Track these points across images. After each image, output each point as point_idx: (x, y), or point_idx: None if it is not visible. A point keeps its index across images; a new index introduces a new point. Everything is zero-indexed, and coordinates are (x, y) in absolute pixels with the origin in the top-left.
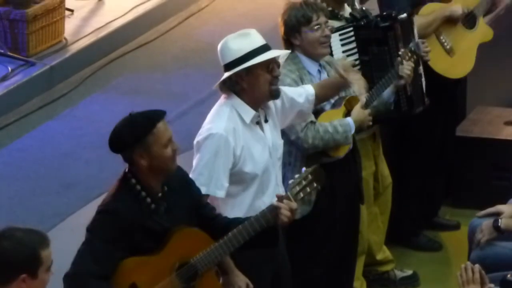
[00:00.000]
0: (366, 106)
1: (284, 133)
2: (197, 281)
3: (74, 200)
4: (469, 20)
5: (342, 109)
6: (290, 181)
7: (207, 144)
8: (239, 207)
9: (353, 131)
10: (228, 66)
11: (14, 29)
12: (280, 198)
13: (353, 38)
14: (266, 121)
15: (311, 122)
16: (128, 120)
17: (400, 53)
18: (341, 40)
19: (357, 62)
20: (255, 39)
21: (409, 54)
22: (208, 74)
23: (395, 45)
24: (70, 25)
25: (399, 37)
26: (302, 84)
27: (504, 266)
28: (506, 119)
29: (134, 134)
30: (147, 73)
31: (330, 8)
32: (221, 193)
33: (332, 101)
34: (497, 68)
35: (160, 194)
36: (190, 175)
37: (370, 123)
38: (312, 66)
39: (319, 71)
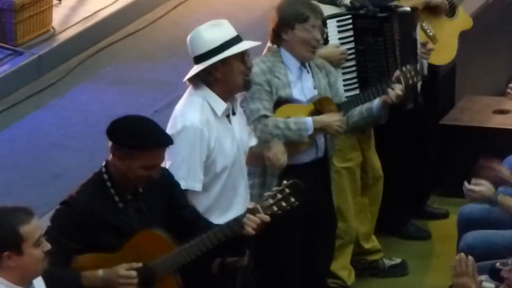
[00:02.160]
0: (339, 109)
1: None
2: (155, 285)
3: (62, 190)
4: (449, 9)
5: (309, 106)
6: (266, 193)
7: (182, 137)
8: (206, 199)
9: (310, 131)
10: (201, 57)
11: (1, 19)
12: (251, 211)
13: (350, 26)
14: (233, 113)
15: (263, 115)
16: (139, 124)
17: (398, 72)
18: (338, 27)
19: (352, 51)
20: (228, 30)
21: (408, 75)
22: (191, 64)
23: (391, 38)
24: (58, 15)
25: (395, 29)
26: (270, 75)
27: (492, 254)
28: (495, 108)
29: (132, 140)
30: (135, 62)
31: None
32: (198, 186)
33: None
34: (486, 57)
35: (129, 196)
36: (169, 167)
37: (341, 129)
38: (293, 62)
39: (300, 69)
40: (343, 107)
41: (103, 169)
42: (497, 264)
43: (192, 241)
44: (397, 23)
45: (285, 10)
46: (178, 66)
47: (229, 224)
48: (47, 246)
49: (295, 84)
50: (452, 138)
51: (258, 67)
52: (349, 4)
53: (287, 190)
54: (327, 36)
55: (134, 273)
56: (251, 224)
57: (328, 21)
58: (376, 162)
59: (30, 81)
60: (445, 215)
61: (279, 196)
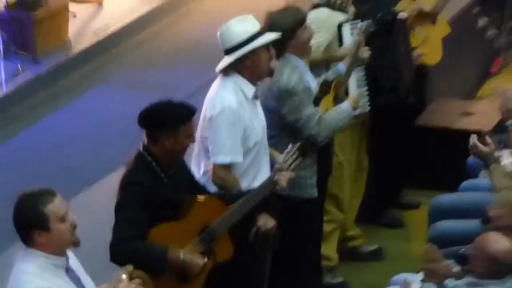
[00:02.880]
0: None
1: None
2: (215, 242)
3: (75, 183)
4: (433, 18)
5: (331, 94)
6: (282, 155)
7: (223, 117)
8: (239, 169)
9: (353, 113)
10: (233, 48)
11: (22, 31)
12: (278, 169)
13: (361, 29)
14: (256, 97)
15: (319, 117)
16: (169, 105)
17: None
18: (351, 30)
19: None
20: (254, 23)
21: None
22: (196, 69)
23: (397, 37)
24: (73, 27)
25: (400, 31)
26: (304, 81)
27: (459, 241)
28: (462, 110)
29: (174, 120)
30: (141, 68)
31: (340, 2)
32: (240, 158)
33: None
34: (455, 64)
35: (171, 172)
36: (211, 147)
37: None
38: (301, 63)
39: (305, 69)
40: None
41: (145, 153)
42: (462, 249)
43: (238, 202)
44: (399, 26)
45: (280, 19)
46: (179, 71)
47: (264, 183)
48: (74, 219)
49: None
50: (424, 137)
51: (294, 76)
52: (354, 11)
53: (298, 152)
54: (342, 39)
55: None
56: (282, 179)
57: (343, 26)
58: (363, 154)
59: (48, 86)
60: (417, 206)
61: (294, 156)
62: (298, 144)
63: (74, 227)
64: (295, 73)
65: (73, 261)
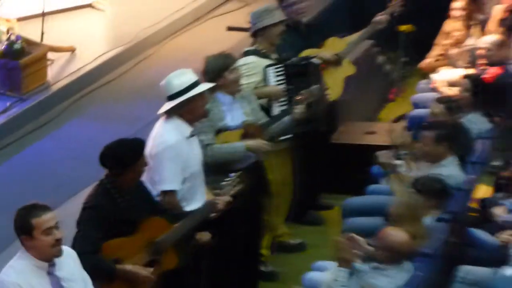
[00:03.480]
0: (262, 128)
1: None
2: (160, 254)
3: (59, 197)
4: (337, 62)
5: (241, 131)
6: (223, 182)
7: (164, 154)
8: (179, 193)
9: (244, 152)
10: (174, 96)
11: (11, 75)
12: (217, 194)
13: (283, 72)
14: (193, 135)
15: (207, 144)
16: (125, 145)
17: (298, 97)
18: (275, 73)
19: (284, 89)
20: (191, 76)
21: (307, 97)
22: (156, 103)
23: (312, 79)
24: (51, 71)
25: (314, 73)
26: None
27: (365, 234)
28: (366, 130)
29: (133, 159)
30: (110, 103)
31: (264, 50)
32: (179, 186)
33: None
34: (360, 92)
35: (127, 196)
36: (157, 177)
37: (266, 148)
38: (227, 99)
39: (232, 103)
40: (264, 125)
41: (107, 182)
42: (369, 241)
43: (181, 222)
44: (314, 69)
45: (211, 64)
46: (141, 105)
47: (205, 205)
48: (57, 235)
49: (231, 115)
50: (336, 152)
51: (211, 108)
52: (276, 57)
53: (237, 179)
54: (267, 79)
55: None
56: (220, 203)
57: (268, 69)
58: (289, 172)
59: (32, 120)
60: (332, 207)
61: (233, 183)
62: (239, 173)
63: (57, 240)
64: (213, 106)
65: (66, 269)
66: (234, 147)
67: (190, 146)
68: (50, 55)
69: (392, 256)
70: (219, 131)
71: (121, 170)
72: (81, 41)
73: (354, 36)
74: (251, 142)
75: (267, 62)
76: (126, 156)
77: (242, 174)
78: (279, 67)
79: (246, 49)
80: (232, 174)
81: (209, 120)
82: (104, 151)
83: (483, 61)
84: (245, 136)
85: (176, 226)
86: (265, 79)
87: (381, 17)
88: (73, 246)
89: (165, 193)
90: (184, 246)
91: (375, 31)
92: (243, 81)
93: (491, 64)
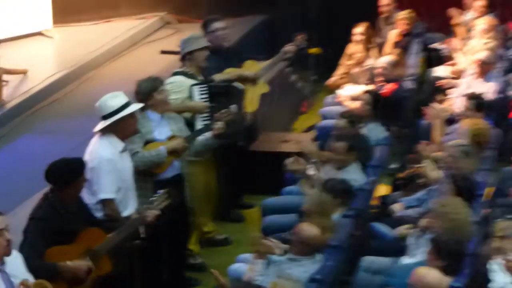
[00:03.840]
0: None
1: None
2: (97, 260)
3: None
4: (253, 81)
5: (166, 142)
6: (152, 198)
7: (100, 167)
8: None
9: (165, 154)
10: (107, 116)
11: None
12: (148, 208)
13: (207, 91)
14: (125, 150)
15: (136, 152)
16: (67, 164)
17: (217, 114)
18: (199, 91)
19: (208, 105)
20: (123, 98)
21: (225, 115)
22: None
23: (233, 98)
24: (6, 91)
25: (235, 97)
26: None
27: (282, 229)
28: (282, 139)
29: (74, 177)
30: (59, 119)
31: (191, 72)
32: (114, 195)
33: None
34: (276, 108)
35: (70, 209)
36: (95, 187)
37: (183, 146)
38: (156, 116)
39: (160, 120)
40: (188, 138)
41: (51, 195)
42: (282, 235)
43: (114, 233)
44: (234, 91)
45: (142, 86)
46: (87, 121)
47: (136, 217)
48: (8, 236)
49: (158, 130)
50: (257, 158)
51: (142, 124)
52: (202, 78)
53: (164, 195)
54: (192, 96)
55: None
56: (150, 215)
57: (193, 88)
58: (214, 179)
59: None
60: (252, 206)
61: (161, 199)
62: (166, 190)
63: (8, 241)
64: (144, 122)
65: (14, 268)
66: (157, 151)
67: (122, 159)
68: (5, 77)
69: (305, 248)
70: (147, 142)
71: (63, 186)
72: (32, 64)
73: (267, 62)
74: (170, 144)
75: (193, 82)
76: (68, 175)
77: (169, 191)
78: (204, 87)
79: (176, 70)
80: (160, 191)
81: (139, 132)
82: (48, 169)
83: (381, 78)
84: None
85: (110, 236)
86: (190, 97)
87: (289, 48)
88: (20, 252)
89: (103, 201)
90: (118, 253)
91: (283, 59)
92: (172, 96)
93: (388, 81)
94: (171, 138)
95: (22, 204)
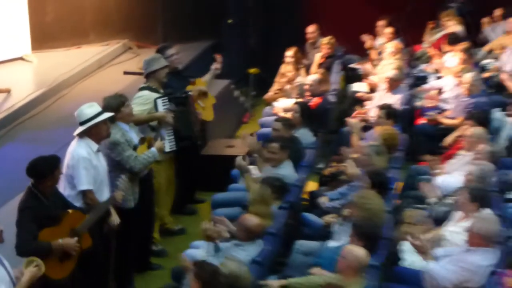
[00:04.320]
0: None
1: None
2: (80, 238)
3: None
4: (205, 94)
5: (145, 144)
6: (119, 183)
7: (79, 164)
8: None
9: (157, 153)
10: (84, 122)
11: None
12: (116, 190)
13: (167, 102)
14: (99, 151)
15: (135, 156)
16: (44, 160)
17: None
18: (162, 103)
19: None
20: (97, 108)
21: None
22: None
23: (189, 107)
24: None
25: (191, 103)
26: (124, 137)
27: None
28: (227, 144)
29: (51, 170)
30: (37, 130)
31: (155, 87)
32: (92, 187)
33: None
34: (222, 119)
35: (51, 198)
36: (76, 181)
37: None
38: (126, 126)
39: (129, 130)
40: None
41: (33, 188)
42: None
43: (90, 213)
44: (189, 101)
45: (111, 102)
46: (64, 131)
47: (107, 200)
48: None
49: (132, 136)
50: (206, 161)
51: (117, 135)
52: (162, 92)
53: (126, 179)
54: (157, 107)
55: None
56: (118, 196)
57: (157, 100)
58: (173, 175)
59: None
60: (204, 201)
61: (124, 182)
62: (128, 175)
63: (0, 232)
64: (119, 132)
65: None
66: (151, 152)
67: (97, 158)
68: None
69: (248, 235)
70: (134, 148)
71: (42, 179)
72: (14, 84)
73: (205, 77)
74: (156, 145)
75: (156, 95)
76: (44, 169)
77: (129, 176)
78: (165, 99)
79: (142, 85)
80: (123, 176)
81: (127, 141)
82: (29, 165)
83: (309, 93)
84: (149, 146)
85: (88, 216)
86: (155, 107)
87: (216, 66)
88: (17, 238)
89: (83, 192)
90: (96, 230)
91: (214, 75)
92: (140, 108)
93: (314, 95)
94: (141, 140)
95: (7, 203)
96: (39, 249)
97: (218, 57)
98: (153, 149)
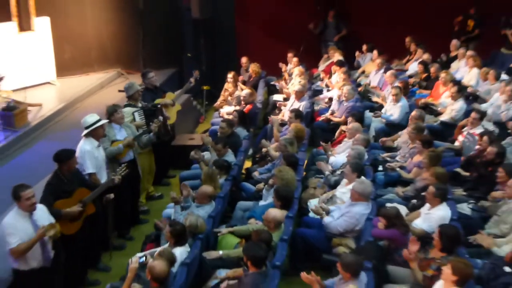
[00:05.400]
0: (134, 139)
1: None
2: (86, 206)
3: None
4: (173, 104)
5: (122, 141)
6: (118, 169)
7: (86, 155)
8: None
9: (122, 148)
10: (88, 127)
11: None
12: (114, 174)
13: (142, 113)
14: (99, 146)
15: (108, 148)
16: (64, 151)
17: (153, 121)
18: (139, 114)
19: (144, 122)
20: (96, 116)
21: (157, 122)
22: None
23: (159, 115)
24: (30, 116)
25: (160, 112)
26: (108, 135)
27: (192, 190)
28: (189, 137)
29: (67, 158)
30: (60, 132)
31: (133, 104)
32: (95, 170)
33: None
34: (185, 120)
35: (70, 177)
36: (84, 167)
37: (132, 142)
38: (117, 126)
39: (120, 129)
40: (135, 138)
41: (58, 170)
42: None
43: (95, 190)
44: (159, 111)
45: (108, 109)
46: (79, 132)
47: (108, 180)
48: (33, 200)
49: (119, 134)
50: (175, 149)
51: (108, 131)
52: (139, 105)
53: (124, 167)
54: (135, 118)
55: (79, 210)
56: (116, 179)
57: (134, 113)
58: (153, 162)
59: (20, 141)
60: (174, 176)
61: (121, 169)
62: (125, 164)
63: (34, 203)
64: (109, 130)
65: (38, 216)
66: (118, 147)
67: (98, 151)
68: (29, 108)
69: (205, 199)
70: (112, 142)
71: (61, 164)
72: (44, 100)
73: (179, 90)
74: (125, 141)
75: (134, 109)
76: (62, 157)
77: (127, 165)
78: (140, 111)
79: (125, 103)
80: (122, 164)
81: (108, 137)
82: (54, 154)
83: (243, 102)
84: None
85: (92, 192)
86: (134, 118)
87: (192, 79)
88: (41, 202)
89: (89, 174)
90: (97, 201)
91: (189, 87)
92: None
93: (247, 103)
94: (125, 138)
95: (40, 181)
96: (53, 214)
97: (196, 73)
98: (120, 145)
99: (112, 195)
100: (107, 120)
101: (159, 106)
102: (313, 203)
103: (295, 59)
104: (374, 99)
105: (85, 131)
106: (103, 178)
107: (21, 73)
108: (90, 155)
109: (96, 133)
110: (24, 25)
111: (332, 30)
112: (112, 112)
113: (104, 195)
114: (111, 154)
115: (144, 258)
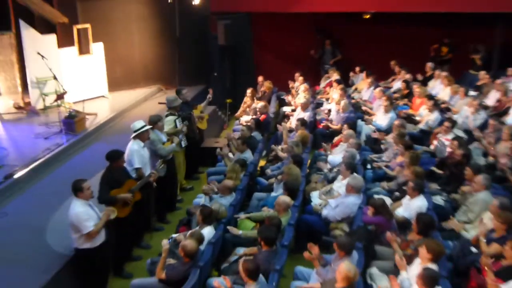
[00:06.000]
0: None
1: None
2: (133, 194)
3: (89, 175)
4: (202, 115)
5: (169, 142)
6: (157, 164)
7: (134, 153)
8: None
9: (175, 147)
10: (136, 130)
11: (70, 125)
12: (154, 170)
13: (181, 120)
14: (144, 146)
15: (162, 147)
16: (114, 151)
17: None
18: (179, 121)
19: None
20: (142, 122)
21: (186, 124)
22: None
23: (192, 120)
24: (88, 123)
25: (193, 119)
26: (158, 138)
27: (219, 183)
28: (215, 141)
29: (117, 157)
30: (112, 136)
31: (174, 113)
32: (141, 165)
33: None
34: (213, 127)
35: (119, 171)
36: (132, 163)
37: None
38: (160, 132)
39: (161, 134)
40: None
41: (109, 166)
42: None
43: (139, 182)
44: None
45: (152, 118)
46: (127, 135)
47: (148, 175)
48: (91, 191)
49: (162, 138)
50: (203, 150)
51: (154, 136)
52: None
53: (162, 164)
54: (177, 124)
55: (130, 196)
56: (155, 174)
57: (176, 120)
58: (184, 159)
59: (80, 143)
60: (203, 172)
61: (160, 164)
62: (163, 159)
63: (91, 192)
64: (155, 135)
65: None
66: (172, 146)
67: (144, 150)
68: (87, 116)
69: (227, 191)
70: (163, 143)
71: (112, 162)
72: (99, 110)
73: (202, 104)
74: (174, 142)
75: (175, 117)
76: (113, 156)
77: (163, 160)
78: (179, 119)
79: (166, 113)
80: (159, 161)
81: (159, 140)
82: (106, 154)
83: (259, 112)
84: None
85: (138, 182)
86: (175, 125)
87: (208, 96)
88: (99, 193)
89: (136, 169)
90: (144, 189)
91: (208, 102)
92: (168, 126)
93: (261, 113)
94: (167, 140)
95: (95, 175)
96: (109, 199)
97: (211, 91)
98: (173, 144)
99: (155, 184)
100: (151, 126)
101: (192, 113)
102: (314, 194)
103: (301, 78)
104: (363, 108)
105: (134, 134)
106: (147, 172)
107: (80, 88)
108: (137, 153)
109: (142, 136)
110: (83, 49)
111: (329, 55)
112: (156, 121)
113: (147, 185)
114: (169, 151)
115: (171, 239)
